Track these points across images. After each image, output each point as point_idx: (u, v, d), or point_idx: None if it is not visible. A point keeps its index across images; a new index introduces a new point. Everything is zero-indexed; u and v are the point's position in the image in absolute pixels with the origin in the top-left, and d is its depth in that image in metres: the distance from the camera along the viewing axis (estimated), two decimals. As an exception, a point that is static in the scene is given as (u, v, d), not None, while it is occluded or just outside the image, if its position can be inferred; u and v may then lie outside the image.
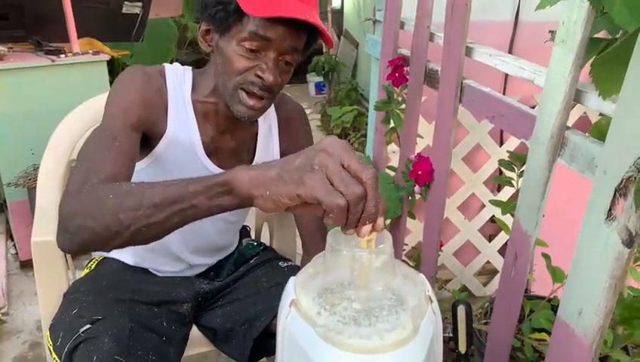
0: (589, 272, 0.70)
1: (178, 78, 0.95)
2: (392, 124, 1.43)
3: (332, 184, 0.51)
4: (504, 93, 1.75)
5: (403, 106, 1.40)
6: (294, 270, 1.01)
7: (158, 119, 0.92)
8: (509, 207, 1.16)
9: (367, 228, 0.53)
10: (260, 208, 0.56)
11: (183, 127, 0.94)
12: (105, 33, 2.31)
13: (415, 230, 1.82)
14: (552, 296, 1.23)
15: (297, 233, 1.17)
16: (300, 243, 1.16)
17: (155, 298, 1.02)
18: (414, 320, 0.55)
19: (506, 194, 1.84)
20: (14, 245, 2.17)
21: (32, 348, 1.72)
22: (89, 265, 1.11)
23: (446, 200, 1.30)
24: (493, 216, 1.82)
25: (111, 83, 1.53)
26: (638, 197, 0.60)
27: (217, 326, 1.08)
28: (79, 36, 2.07)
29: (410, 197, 1.41)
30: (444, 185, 1.25)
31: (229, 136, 1.00)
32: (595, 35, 0.76)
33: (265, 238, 1.35)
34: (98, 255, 1.13)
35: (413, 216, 1.49)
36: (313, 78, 4.75)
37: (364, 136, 3.05)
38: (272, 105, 1.02)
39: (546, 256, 1.16)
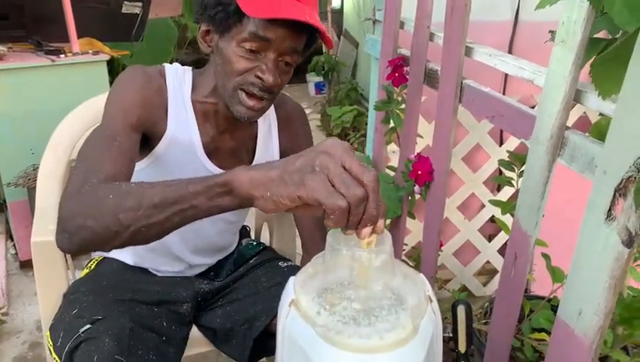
0: (589, 272, 0.70)
1: (178, 78, 0.95)
2: (391, 124, 1.43)
3: (333, 186, 0.51)
4: (504, 93, 1.75)
5: (403, 106, 1.40)
6: (294, 270, 1.01)
7: (158, 119, 0.92)
8: (508, 206, 1.16)
9: (367, 230, 0.53)
10: (260, 209, 0.56)
11: (182, 127, 0.94)
12: (105, 33, 2.31)
13: (415, 230, 1.83)
14: (551, 296, 1.23)
15: (297, 233, 1.17)
16: (299, 243, 1.16)
17: (154, 298, 1.02)
18: (414, 320, 0.55)
19: (505, 194, 1.84)
20: (14, 245, 2.17)
21: (32, 348, 1.72)
22: (89, 265, 1.11)
23: (446, 200, 1.30)
24: (493, 216, 1.82)
25: (111, 83, 1.53)
26: (638, 197, 0.60)
27: (217, 326, 1.08)
28: (79, 36, 2.07)
29: (409, 197, 1.41)
30: (443, 185, 1.25)
31: (228, 136, 1.00)
32: (595, 35, 0.76)
33: (265, 238, 1.35)
34: (98, 255, 1.13)
35: (412, 216, 1.49)
36: (313, 78, 4.75)
37: (364, 136, 3.06)
38: (272, 106, 1.02)
39: (545, 256, 1.16)
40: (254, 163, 1.04)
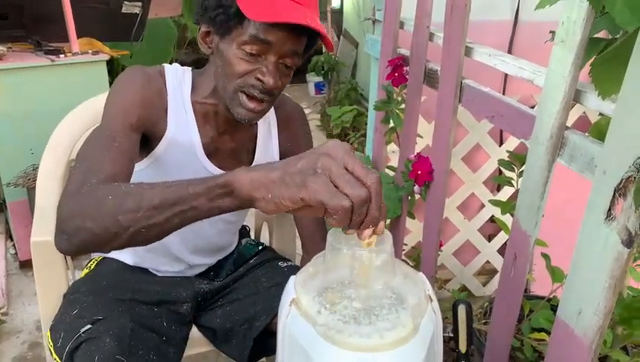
0: (589, 272, 0.70)
1: (178, 78, 0.95)
2: (391, 124, 1.43)
3: (336, 186, 0.51)
4: (504, 93, 1.75)
5: (402, 106, 1.40)
6: (294, 270, 1.01)
7: (158, 120, 0.92)
8: (508, 206, 1.16)
9: (368, 231, 0.54)
10: (260, 210, 0.56)
11: (182, 128, 0.94)
12: (104, 33, 2.30)
13: (415, 230, 1.83)
14: (551, 296, 1.24)
15: (297, 233, 1.17)
16: (299, 243, 1.16)
17: (154, 298, 1.02)
18: (414, 319, 0.55)
19: (505, 194, 1.84)
20: (14, 245, 2.16)
21: (32, 348, 1.72)
22: (88, 265, 1.11)
23: (445, 200, 1.30)
24: (493, 215, 1.82)
25: (110, 83, 1.53)
26: (638, 197, 0.60)
27: (217, 326, 1.08)
28: (79, 36, 2.07)
29: (409, 197, 1.41)
30: (443, 184, 1.25)
31: (228, 137, 1.00)
32: (595, 35, 0.76)
33: (264, 238, 1.35)
34: (97, 255, 1.13)
35: (412, 216, 1.49)
36: (313, 78, 4.75)
37: (364, 135, 3.05)
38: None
39: (545, 256, 1.16)
40: (254, 163, 1.04)
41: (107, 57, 2.08)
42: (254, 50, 0.83)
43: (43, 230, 1.00)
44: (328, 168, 0.52)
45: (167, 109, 0.92)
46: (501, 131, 1.84)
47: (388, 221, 1.52)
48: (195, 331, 1.09)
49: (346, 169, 0.52)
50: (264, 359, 1.09)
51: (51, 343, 0.92)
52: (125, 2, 2.26)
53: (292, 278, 0.60)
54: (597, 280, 0.69)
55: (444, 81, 1.17)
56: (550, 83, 0.80)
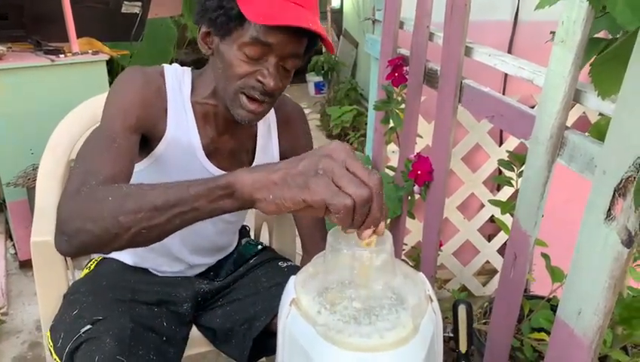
0: (589, 272, 0.71)
1: (177, 79, 0.95)
2: (391, 124, 1.43)
3: (339, 187, 0.51)
4: (503, 93, 1.75)
5: (402, 106, 1.40)
6: (294, 270, 1.01)
7: (158, 120, 0.92)
8: (508, 206, 1.17)
9: (368, 231, 0.54)
10: (261, 211, 0.56)
11: (182, 129, 0.94)
12: (104, 33, 2.31)
13: (414, 230, 1.83)
14: (551, 296, 1.24)
15: (297, 233, 1.17)
16: (299, 243, 1.16)
17: (154, 298, 1.02)
18: (414, 319, 0.55)
19: (505, 194, 1.84)
20: (13, 245, 2.16)
21: (32, 348, 1.72)
22: (88, 265, 1.11)
23: (445, 200, 1.30)
24: (493, 215, 1.82)
25: (110, 83, 1.53)
26: (638, 197, 0.61)
27: (217, 326, 1.08)
28: (78, 36, 2.07)
29: (409, 197, 1.41)
30: (443, 184, 1.25)
31: (228, 138, 1.00)
32: (595, 35, 0.76)
33: (264, 238, 1.35)
34: (97, 255, 1.13)
35: (412, 216, 1.49)
36: (312, 78, 4.75)
37: (364, 135, 3.06)
38: (271, 107, 1.02)
39: (545, 256, 1.16)
40: (254, 164, 1.04)
41: (107, 57, 2.09)
42: (255, 52, 0.83)
43: (43, 230, 1.00)
44: (330, 169, 0.52)
45: (166, 110, 0.92)
46: (501, 131, 1.84)
47: (388, 221, 1.52)
48: (195, 331, 1.09)
49: (348, 170, 0.52)
50: (264, 359, 1.09)
51: (51, 343, 0.92)
52: (125, 2, 2.26)
53: (292, 278, 0.60)
54: (597, 280, 0.69)
55: (444, 81, 1.17)
56: (550, 83, 0.80)
